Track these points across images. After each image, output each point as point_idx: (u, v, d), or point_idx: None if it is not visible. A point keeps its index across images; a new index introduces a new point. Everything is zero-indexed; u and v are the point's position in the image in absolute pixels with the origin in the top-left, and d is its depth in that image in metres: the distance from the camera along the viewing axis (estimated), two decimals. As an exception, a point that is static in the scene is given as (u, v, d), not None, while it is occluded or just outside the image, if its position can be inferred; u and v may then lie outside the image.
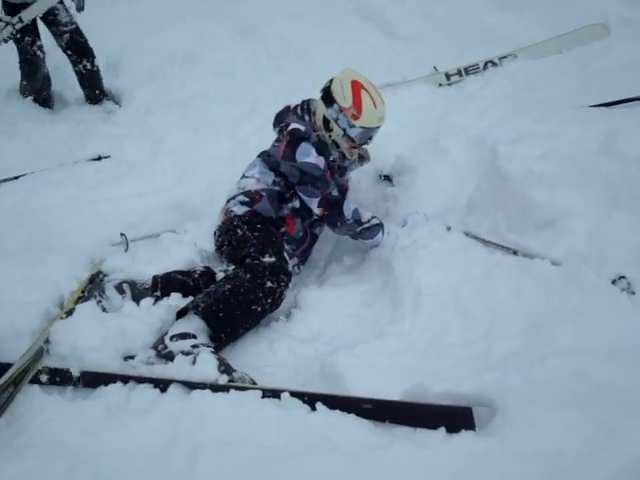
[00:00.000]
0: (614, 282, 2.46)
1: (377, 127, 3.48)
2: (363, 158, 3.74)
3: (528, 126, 3.42)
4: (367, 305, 3.07)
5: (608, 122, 3.11)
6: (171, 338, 2.73)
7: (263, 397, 2.31)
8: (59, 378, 2.53)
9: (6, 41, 5.28)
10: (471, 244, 3.04)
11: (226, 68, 6.12)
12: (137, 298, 3.01)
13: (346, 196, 3.71)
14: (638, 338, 2.21)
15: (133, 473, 1.98)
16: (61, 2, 5.55)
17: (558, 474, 1.74)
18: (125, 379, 2.47)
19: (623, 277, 2.46)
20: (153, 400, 2.34)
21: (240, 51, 6.27)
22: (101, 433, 2.17)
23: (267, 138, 3.77)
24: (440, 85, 5.18)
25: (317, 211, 3.41)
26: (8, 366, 2.44)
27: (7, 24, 5.20)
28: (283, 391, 2.31)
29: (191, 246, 3.42)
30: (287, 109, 3.72)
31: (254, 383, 2.49)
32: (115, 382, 2.46)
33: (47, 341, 2.64)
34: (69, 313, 2.82)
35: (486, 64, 5.18)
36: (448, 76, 5.21)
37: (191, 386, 2.40)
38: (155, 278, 3.10)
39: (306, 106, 3.64)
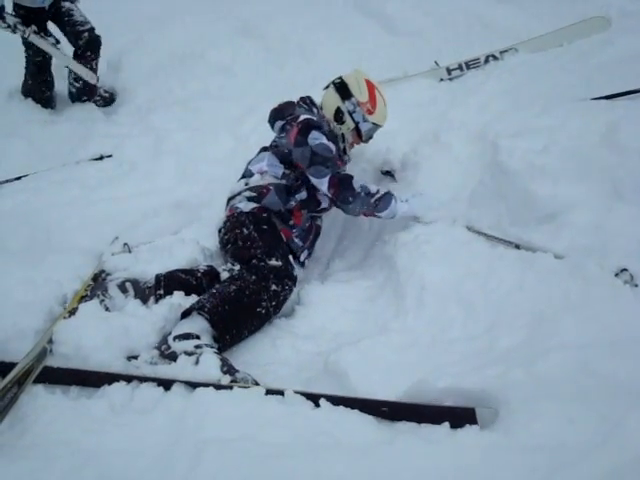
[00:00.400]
0: (617, 275, 2.45)
1: (381, 126, 3.67)
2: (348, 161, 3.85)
3: (529, 120, 3.41)
4: (370, 301, 3.07)
5: (610, 115, 3.10)
6: (174, 338, 2.73)
7: (266, 394, 2.31)
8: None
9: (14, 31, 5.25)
10: (473, 238, 3.03)
11: (227, 66, 6.11)
12: (140, 297, 3.01)
13: None
14: (641, 330, 2.21)
15: (137, 472, 1.98)
16: (73, 2, 5.58)
17: (562, 468, 1.73)
18: (128, 378, 2.47)
19: (625, 269, 2.45)
20: (157, 399, 2.34)
21: (240, 49, 6.27)
22: (105, 432, 2.17)
23: (267, 135, 3.78)
24: (441, 80, 5.17)
25: (328, 191, 3.36)
26: (12, 366, 2.44)
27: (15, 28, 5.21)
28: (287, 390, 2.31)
29: (193, 245, 3.42)
30: (290, 104, 3.73)
31: (257, 383, 2.48)
32: (118, 381, 2.46)
33: (50, 341, 2.64)
34: (72, 312, 2.82)
35: (487, 58, 5.16)
36: (449, 71, 5.19)
37: (194, 385, 2.40)
38: (158, 277, 3.10)
39: (309, 101, 3.69)
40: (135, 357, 2.65)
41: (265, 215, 3.35)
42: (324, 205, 3.56)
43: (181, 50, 6.29)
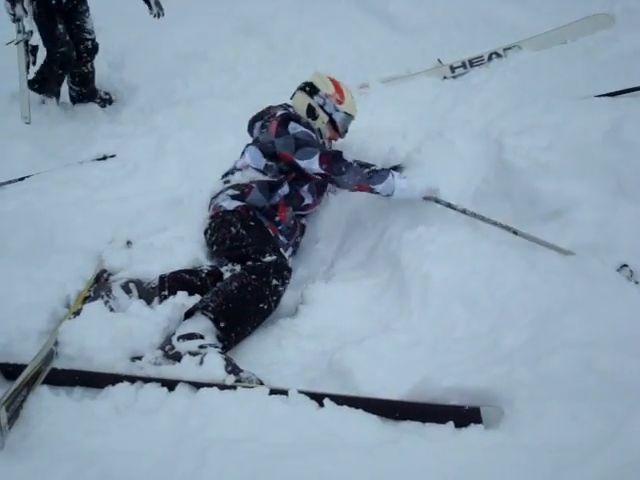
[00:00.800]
0: (618, 271, 2.45)
1: (354, 117, 3.88)
2: None
3: (533, 117, 3.40)
4: (374, 300, 3.06)
5: (613, 112, 3.09)
6: (178, 338, 2.73)
7: (271, 394, 2.30)
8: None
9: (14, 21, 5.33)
10: (478, 237, 3.02)
11: (230, 65, 6.13)
12: (144, 297, 3.01)
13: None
14: (646, 328, 2.20)
15: (142, 472, 1.97)
16: (87, 9, 5.69)
17: (567, 467, 1.73)
18: (132, 379, 2.47)
19: (625, 265, 2.44)
20: (161, 399, 2.34)
21: (243, 48, 6.28)
22: (109, 433, 2.16)
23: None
24: (445, 78, 5.18)
25: (320, 168, 3.35)
26: (17, 367, 2.45)
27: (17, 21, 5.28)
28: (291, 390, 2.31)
29: (193, 243, 3.41)
30: (266, 108, 3.84)
31: (261, 383, 2.48)
32: (122, 382, 2.46)
33: (56, 343, 2.63)
34: (77, 313, 2.82)
35: (490, 56, 5.17)
36: (452, 68, 5.20)
37: (198, 385, 2.40)
38: (162, 278, 3.09)
39: (285, 105, 3.83)
40: (139, 358, 2.64)
41: (251, 213, 3.37)
42: (307, 201, 3.60)
43: (184, 50, 6.30)
